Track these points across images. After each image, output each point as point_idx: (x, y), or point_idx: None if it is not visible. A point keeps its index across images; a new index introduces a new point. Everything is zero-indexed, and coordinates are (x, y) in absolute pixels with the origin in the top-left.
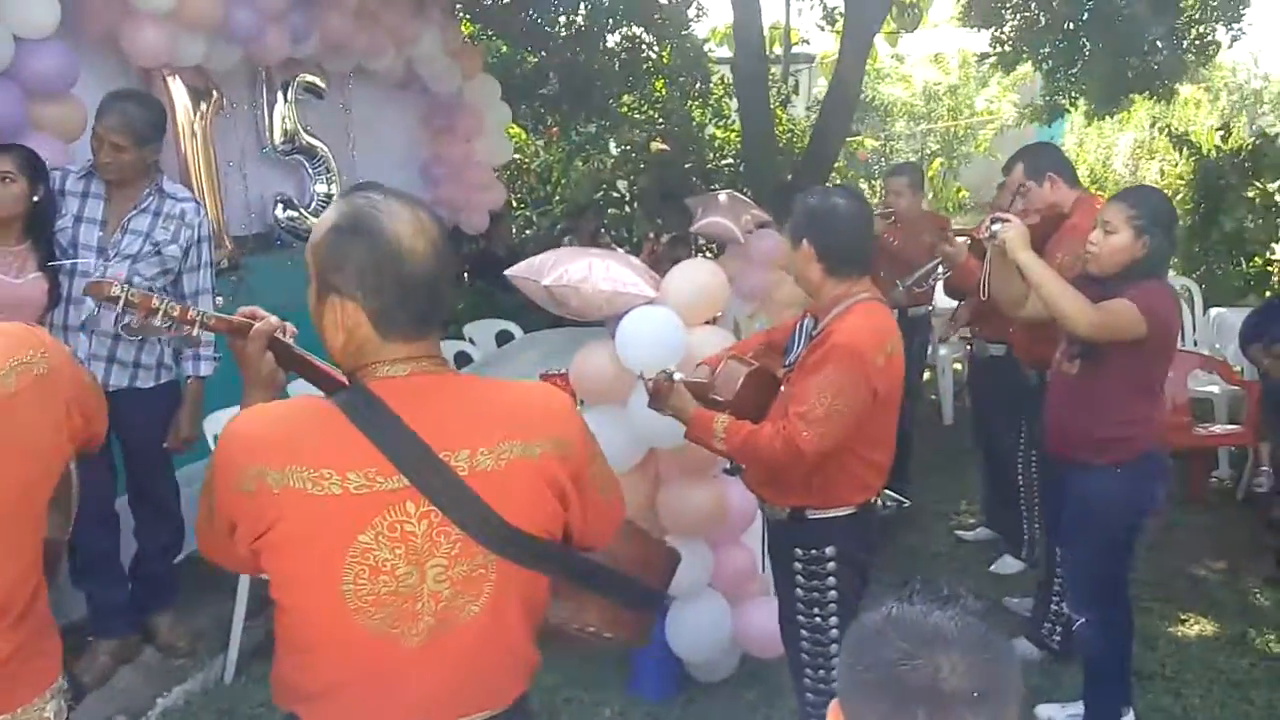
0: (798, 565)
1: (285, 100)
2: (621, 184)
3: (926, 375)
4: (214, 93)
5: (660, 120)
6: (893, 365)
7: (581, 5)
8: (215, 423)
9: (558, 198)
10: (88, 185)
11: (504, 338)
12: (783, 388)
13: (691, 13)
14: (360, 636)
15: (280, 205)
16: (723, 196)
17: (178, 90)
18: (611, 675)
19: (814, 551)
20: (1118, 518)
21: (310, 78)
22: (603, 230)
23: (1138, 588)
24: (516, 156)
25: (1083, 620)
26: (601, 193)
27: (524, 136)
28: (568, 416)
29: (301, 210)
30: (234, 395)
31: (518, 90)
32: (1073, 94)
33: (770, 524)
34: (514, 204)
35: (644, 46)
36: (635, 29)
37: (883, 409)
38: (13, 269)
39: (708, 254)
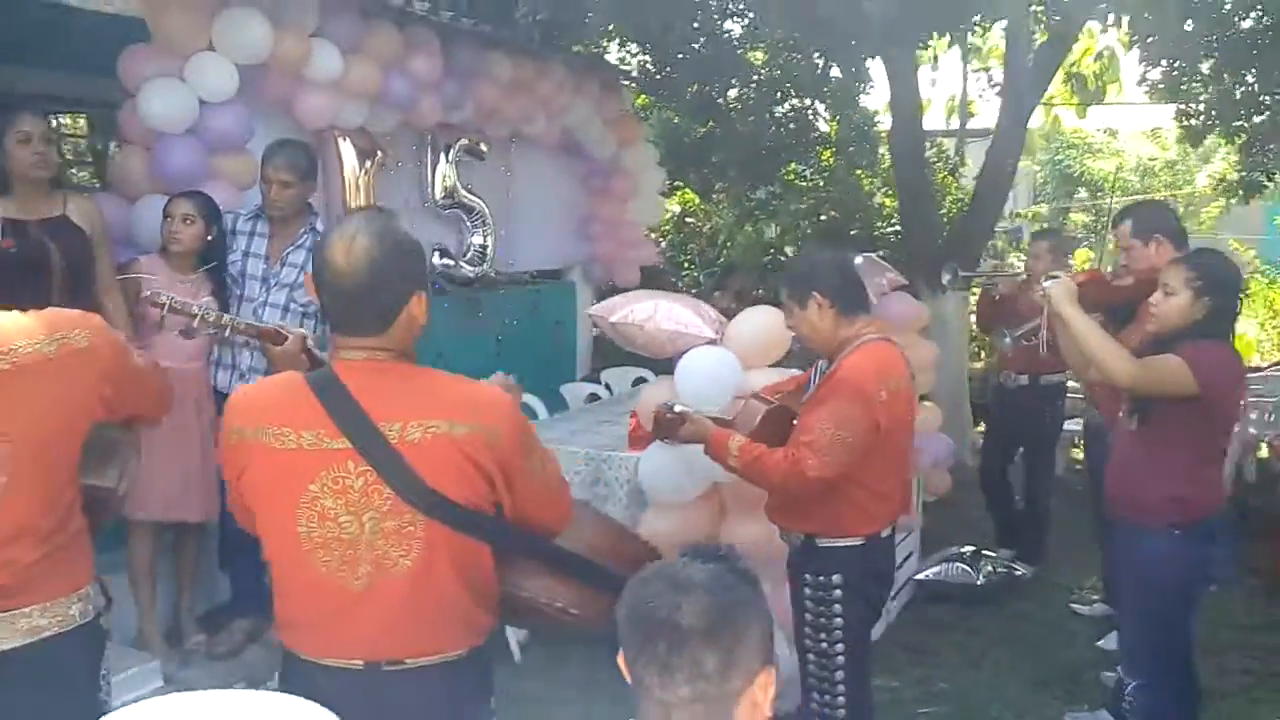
0: (807, 591)
1: (446, 160)
2: (789, 249)
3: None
4: (378, 152)
5: (828, 188)
6: (897, 400)
7: (753, 78)
8: None
9: (721, 260)
10: (254, 225)
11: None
12: (795, 422)
13: (860, 86)
14: (316, 575)
15: (437, 254)
16: (859, 259)
17: (346, 150)
18: None
19: (822, 579)
20: (1171, 583)
21: (470, 141)
22: (755, 291)
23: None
24: (690, 220)
25: (1135, 684)
26: (769, 256)
27: (695, 201)
28: (501, 412)
29: (457, 259)
30: None
31: (688, 157)
32: (1270, 168)
33: (790, 551)
34: (684, 264)
35: (812, 117)
36: (804, 100)
37: (887, 442)
38: (188, 294)
39: None
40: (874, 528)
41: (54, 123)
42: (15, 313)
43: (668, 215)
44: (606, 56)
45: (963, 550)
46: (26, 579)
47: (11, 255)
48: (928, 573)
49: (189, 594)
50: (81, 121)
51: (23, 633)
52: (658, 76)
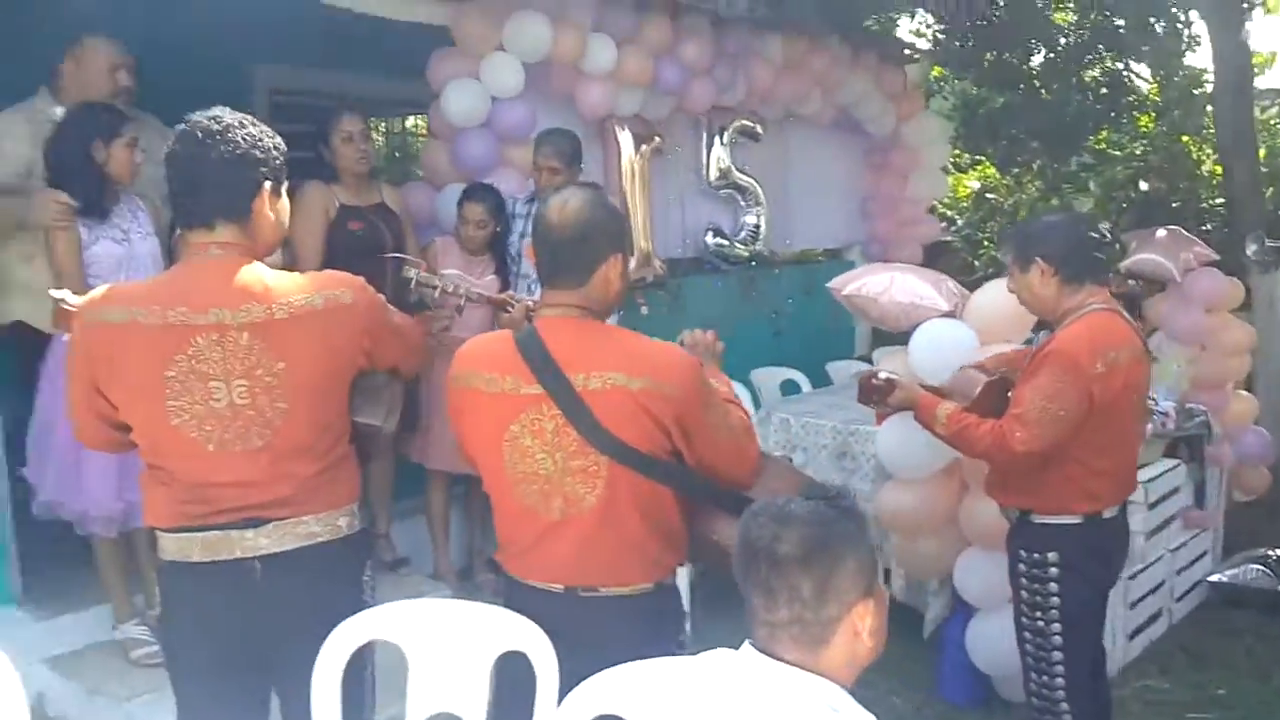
0: (1021, 568)
1: (721, 142)
2: (1103, 225)
3: None
4: (655, 138)
5: (1147, 156)
6: (1115, 373)
7: (1059, 41)
8: None
9: None
10: (530, 209)
11: None
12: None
13: (1187, 42)
14: (521, 506)
15: (711, 233)
16: (1162, 232)
17: (623, 137)
18: (926, 675)
19: (1037, 556)
20: None
21: (745, 122)
22: None
23: None
24: (990, 196)
25: None
26: None
27: (996, 176)
28: (677, 369)
29: (730, 239)
30: None
31: (986, 130)
32: None
33: (1010, 526)
34: (983, 243)
35: (1128, 79)
36: (1116, 63)
37: (1105, 417)
38: (475, 272)
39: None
40: (1095, 506)
41: (385, 123)
42: (292, 273)
43: (967, 191)
44: (898, 29)
45: (1269, 553)
46: (304, 491)
47: (360, 236)
48: (1223, 575)
49: (478, 537)
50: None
51: (301, 537)
52: (956, 45)
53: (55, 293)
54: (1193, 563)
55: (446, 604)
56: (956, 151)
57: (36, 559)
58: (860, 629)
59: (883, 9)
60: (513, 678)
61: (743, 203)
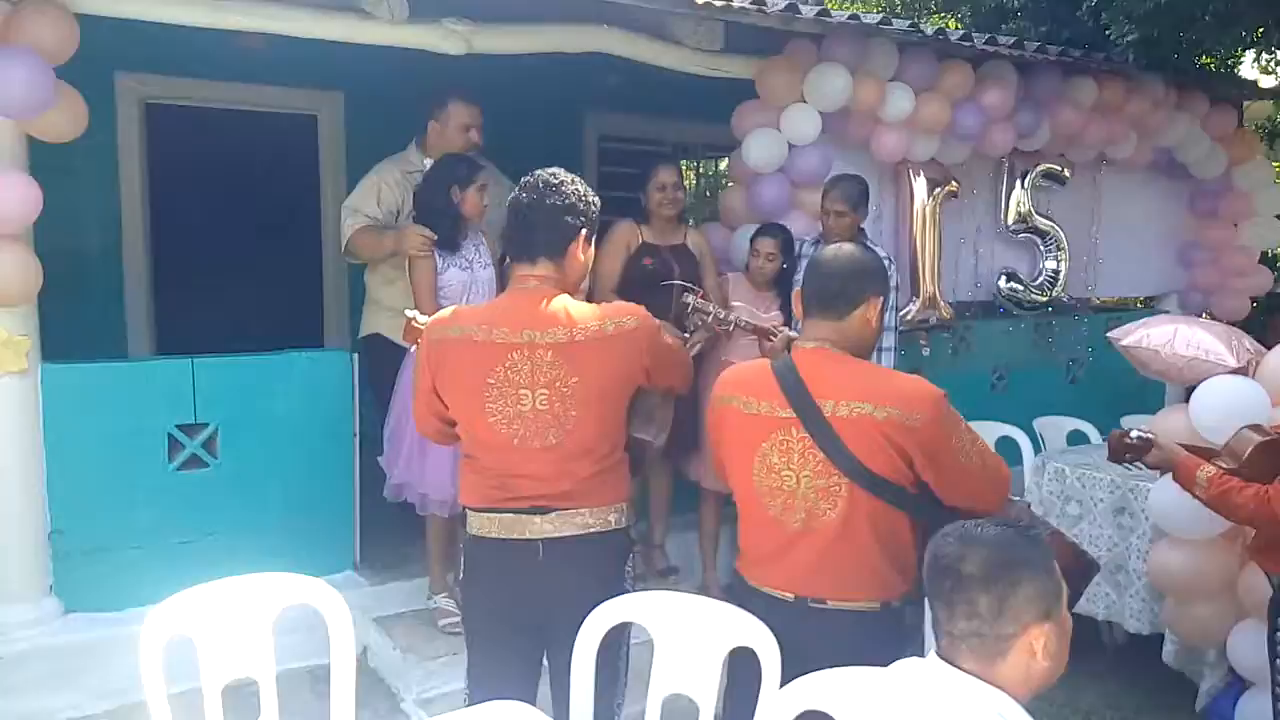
0: (1278, 635)
1: (1022, 186)
2: None
3: None
4: (951, 182)
5: None
6: None
7: None
8: None
9: None
10: (814, 249)
11: None
12: None
13: None
14: (765, 517)
15: (1004, 277)
16: None
17: (917, 182)
18: None
19: None
20: None
21: (1050, 166)
22: None
23: None
24: None
25: None
26: None
27: None
28: (924, 402)
29: (1026, 283)
30: None
31: None
32: None
33: (1272, 595)
34: None
35: None
36: None
37: None
38: (762, 306)
39: None
40: None
41: (698, 165)
42: (590, 303)
43: None
44: (1240, 65)
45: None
46: (582, 488)
47: (649, 270)
48: None
49: None
50: (720, 164)
51: (577, 526)
52: None
53: (409, 311)
54: None
55: (690, 598)
56: None
57: (378, 533)
58: (1036, 649)
59: (1220, 44)
60: (743, 674)
61: (1042, 247)
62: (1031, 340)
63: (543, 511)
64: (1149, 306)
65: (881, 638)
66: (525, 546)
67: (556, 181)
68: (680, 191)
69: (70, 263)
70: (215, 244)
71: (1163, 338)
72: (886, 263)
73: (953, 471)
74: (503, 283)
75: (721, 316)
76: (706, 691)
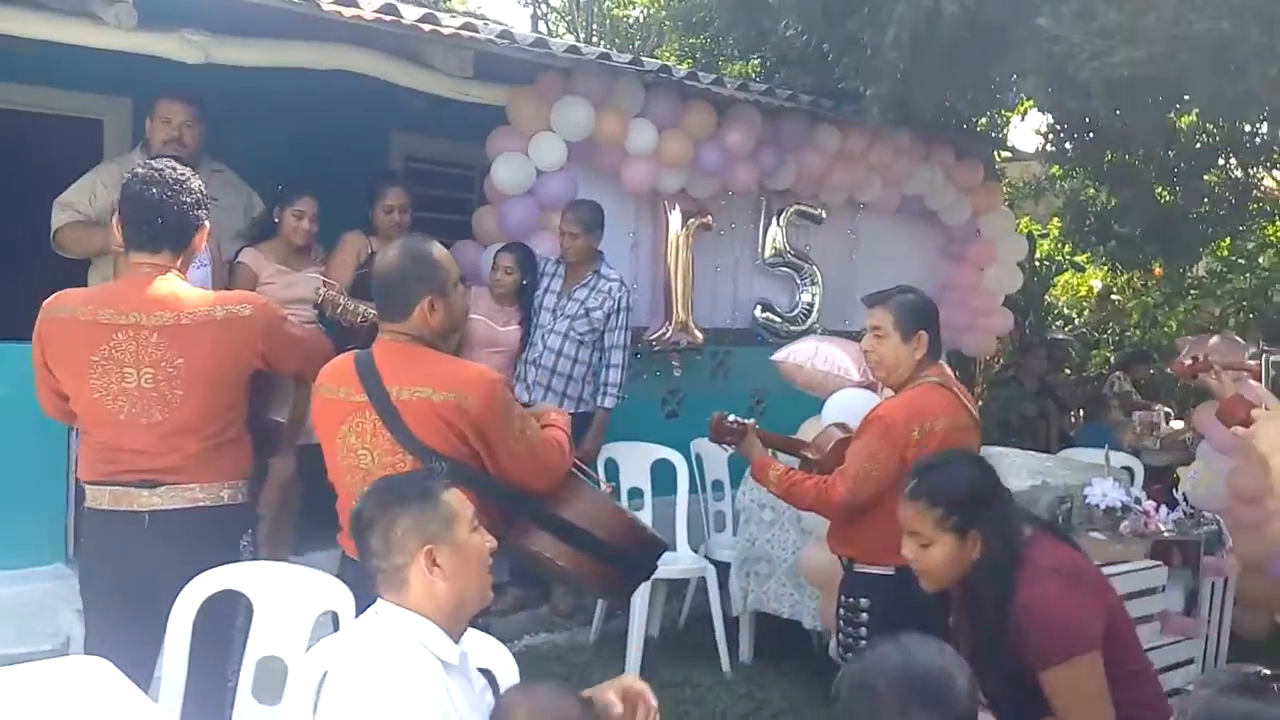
0: (840, 611)
1: (778, 224)
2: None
3: None
4: (706, 215)
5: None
6: (930, 440)
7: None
8: (610, 450)
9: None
10: (556, 269)
11: None
12: None
13: None
14: (348, 493)
15: (760, 307)
16: (1215, 339)
17: (673, 214)
18: None
19: (852, 600)
20: None
21: (804, 206)
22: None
23: None
24: (1116, 298)
25: None
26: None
27: (1109, 276)
28: (477, 386)
29: (781, 314)
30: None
31: (1095, 227)
32: None
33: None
34: (1098, 344)
35: (1256, 185)
36: (1245, 167)
37: None
38: (501, 320)
39: None
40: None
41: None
42: (204, 290)
43: (1085, 290)
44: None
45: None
46: (191, 463)
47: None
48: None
49: None
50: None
51: (185, 500)
52: (1066, 146)
53: None
54: (1171, 668)
55: (286, 566)
56: (1070, 249)
57: None
58: (430, 572)
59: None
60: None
61: (799, 281)
62: None
63: (151, 485)
64: None
65: None
66: (132, 518)
67: (184, 177)
68: (405, 215)
69: None
70: None
71: (805, 355)
72: (618, 284)
73: (501, 453)
74: (222, 284)
75: (351, 308)
76: (296, 652)
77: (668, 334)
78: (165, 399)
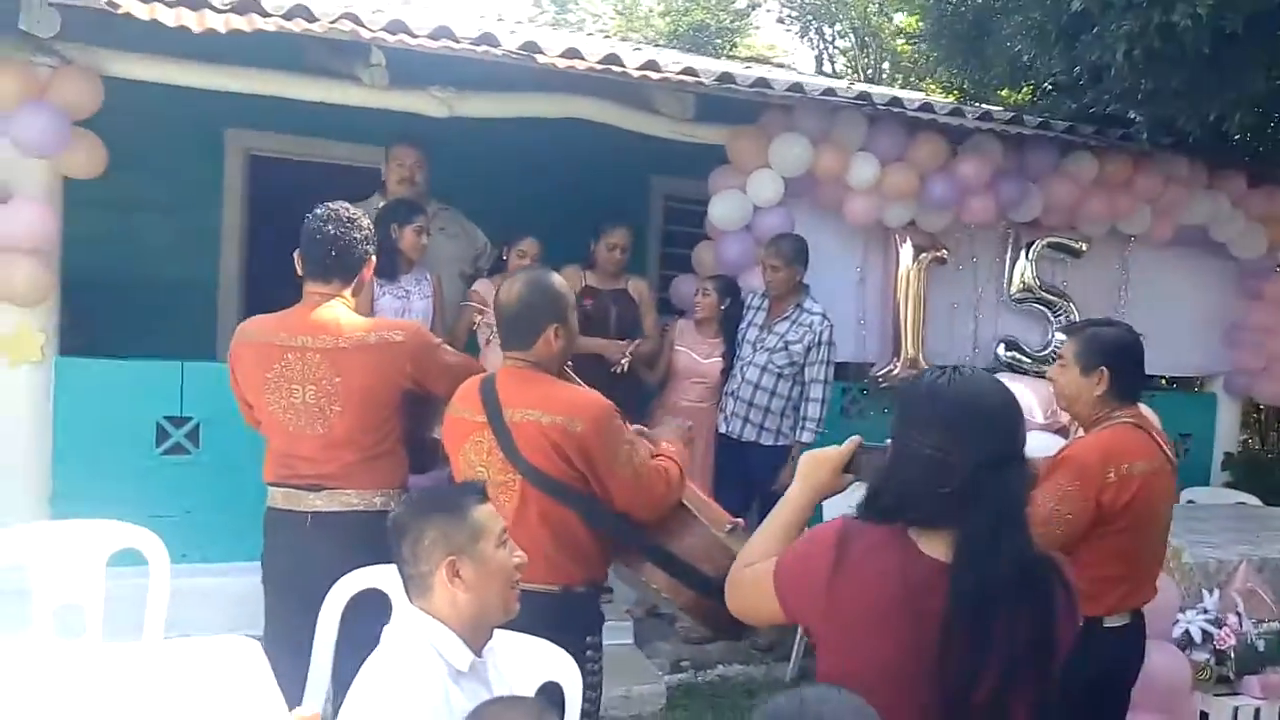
0: None
1: (1027, 257)
2: None
3: None
4: (941, 249)
5: None
6: (1128, 484)
7: None
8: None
9: None
10: (761, 302)
11: None
12: None
13: None
14: None
15: (1004, 345)
16: None
17: (904, 248)
18: None
19: None
20: None
21: (1060, 239)
22: None
23: None
24: None
25: None
26: None
27: None
28: (587, 412)
29: (1029, 352)
30: None
31: None
32: None
33: None
34: None
35: None
36: None
37: (1112, 523)
38: (703, 350)
39: None
40: (1096, 609)
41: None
42: (364, 316)
43: None
44: None
45: None
46: (347, 472)
47: (587, 310)
48: None
49: None
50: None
51: (341, 504)
52: None
53: None
54: None
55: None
56: None
57: None
58: (452, 583)
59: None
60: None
61: (1052, 319)
62: None
63: (315, 489)
64: (1187, 388)
65: (562, 616)
66: (298, 517)
67: (354, 216)
68: (625, 254)
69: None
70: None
71: None
72: (820, 318)
73: (607, 478)
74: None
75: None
76: None
77: (896, 370)
78: (325, 414)
